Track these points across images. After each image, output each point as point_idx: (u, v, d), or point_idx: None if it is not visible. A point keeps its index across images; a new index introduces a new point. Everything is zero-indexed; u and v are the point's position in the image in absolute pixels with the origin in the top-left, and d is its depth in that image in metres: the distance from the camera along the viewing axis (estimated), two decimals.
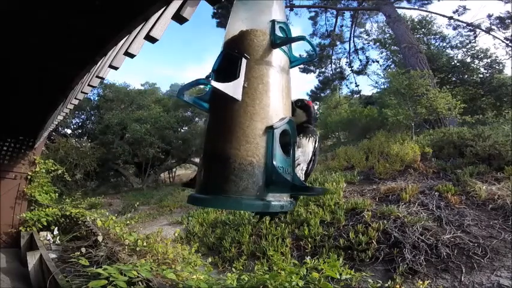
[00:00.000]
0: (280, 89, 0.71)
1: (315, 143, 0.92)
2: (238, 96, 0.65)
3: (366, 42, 15.88)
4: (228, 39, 0.75)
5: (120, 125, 12.74)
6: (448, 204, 4.02)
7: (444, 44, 13.57)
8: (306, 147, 0.89)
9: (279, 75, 0.71)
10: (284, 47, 0.74)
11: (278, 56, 0.72)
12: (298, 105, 0.93)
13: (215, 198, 0.64)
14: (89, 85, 2.46)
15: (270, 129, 0.65)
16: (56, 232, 3.32)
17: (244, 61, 0.67)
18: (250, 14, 0.76)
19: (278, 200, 0.64)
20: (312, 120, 0.95)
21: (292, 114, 0.78)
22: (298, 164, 0.87)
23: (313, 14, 15.67)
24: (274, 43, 0.71)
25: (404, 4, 13.50)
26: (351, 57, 16.00)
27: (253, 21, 0.74)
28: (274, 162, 0.63)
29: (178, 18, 1.33)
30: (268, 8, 0.75)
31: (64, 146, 9.82)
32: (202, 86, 0.67)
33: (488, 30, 11.59)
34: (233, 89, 0.64)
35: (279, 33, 0.72)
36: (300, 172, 0.88)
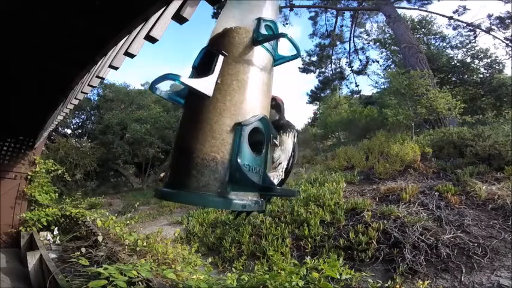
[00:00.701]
0: (258, 87, 0.70)
1: (294, 138, 0.91)
2: (209, 92, 0.64)
3: (366, 42, 15.95)
4: (212, 37, 0.75)
5: (120, 125, 12.74)
6: (448, 204, 4.02)
7: (444, 44, 13.62)
8: (286, 144, 0.88)
9: (258, 73, 0.70)
10: (268, 46, 0.73)
11: (259, 54, 0.71)
12: (272, 104, 0.90)
13: (177, 193, 0.63)
14: (89, 85, 2.45)
15: (238, 126, 0.63)
16: (56, 232, 3.33)
17: (221, 58, 0.66)
18: (239, 12, 0.75)
19: (241, 198, 0.62)
20: (284, 116, 0.94)
21: None
22: (280, 163, 0.86)
23: (313, 14, 15.72)
24: (256, 40, 0.70)
25: (404, 4, 13.54)
26: (351, 57, 16.04)
27: (240, 20, 0.73)
28: (239, 160, 0.61)
29: (178, 18, 1.33)
30: (258, 8, 0.75)
31: (64, 146, 9.83)
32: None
33: (488, 30, 11.59)
34: (204, 85, 0.63)
35: (264, 31, 0.71)
36: (281, 171, 0.87)
